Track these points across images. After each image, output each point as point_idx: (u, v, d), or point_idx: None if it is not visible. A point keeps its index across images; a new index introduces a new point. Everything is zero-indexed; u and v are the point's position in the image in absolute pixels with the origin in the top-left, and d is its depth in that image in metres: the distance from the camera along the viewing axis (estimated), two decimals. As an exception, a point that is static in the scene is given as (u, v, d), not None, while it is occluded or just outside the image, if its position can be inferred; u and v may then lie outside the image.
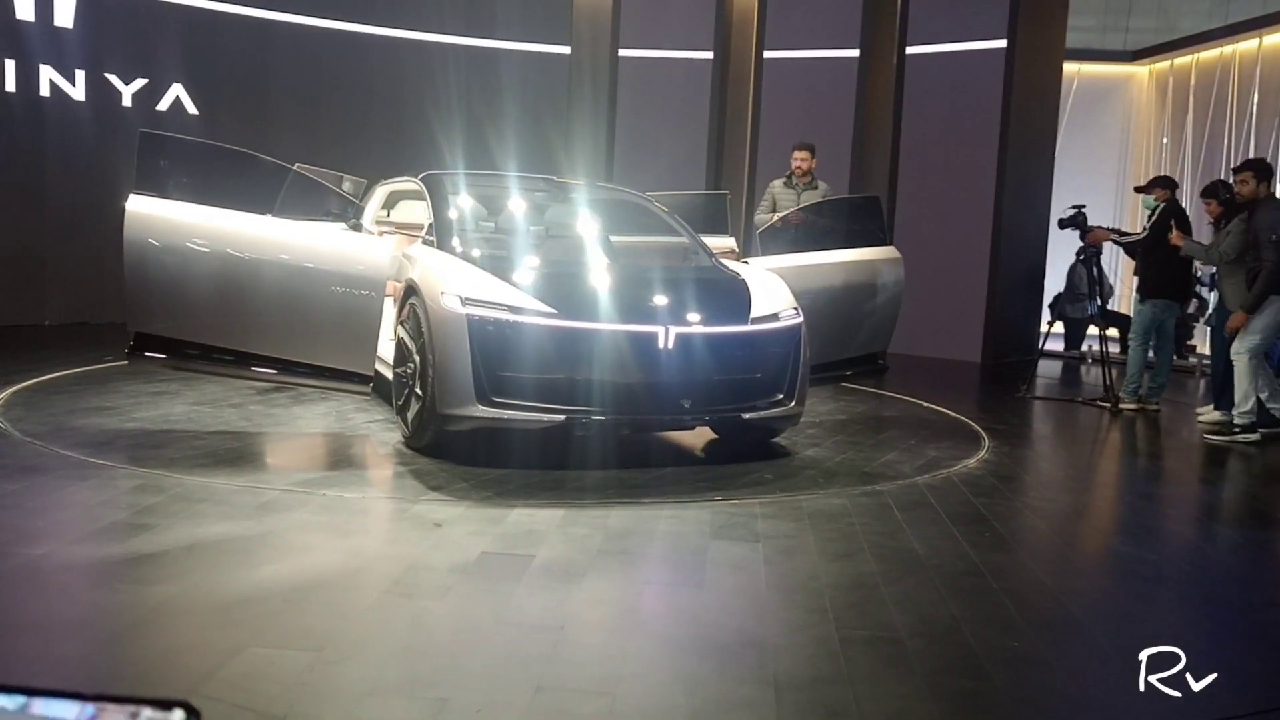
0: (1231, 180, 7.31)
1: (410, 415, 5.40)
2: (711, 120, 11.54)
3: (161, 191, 5.23)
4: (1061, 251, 11.99)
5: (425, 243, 5.90)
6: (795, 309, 5.68)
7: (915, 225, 10.77)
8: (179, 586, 3.38)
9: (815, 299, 6.18)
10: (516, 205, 6.77)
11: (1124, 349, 11.57)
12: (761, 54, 11.50)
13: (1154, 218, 7.87)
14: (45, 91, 9.85)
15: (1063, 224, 8.73)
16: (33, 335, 9.22)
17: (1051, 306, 12.18)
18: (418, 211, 6.87)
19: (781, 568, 3.89)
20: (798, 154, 8.35)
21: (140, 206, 5.16)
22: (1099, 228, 8.56)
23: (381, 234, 6.95)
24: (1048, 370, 10.76)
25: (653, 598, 3.61)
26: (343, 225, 5.74)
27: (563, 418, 5.07)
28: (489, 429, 5.09)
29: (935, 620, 3.42)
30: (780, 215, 7.62)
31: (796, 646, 3.15)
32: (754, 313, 5.53)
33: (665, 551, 4.10)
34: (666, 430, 5.93)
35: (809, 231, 6.90)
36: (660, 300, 5.35)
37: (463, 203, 6.38)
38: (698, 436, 6.06)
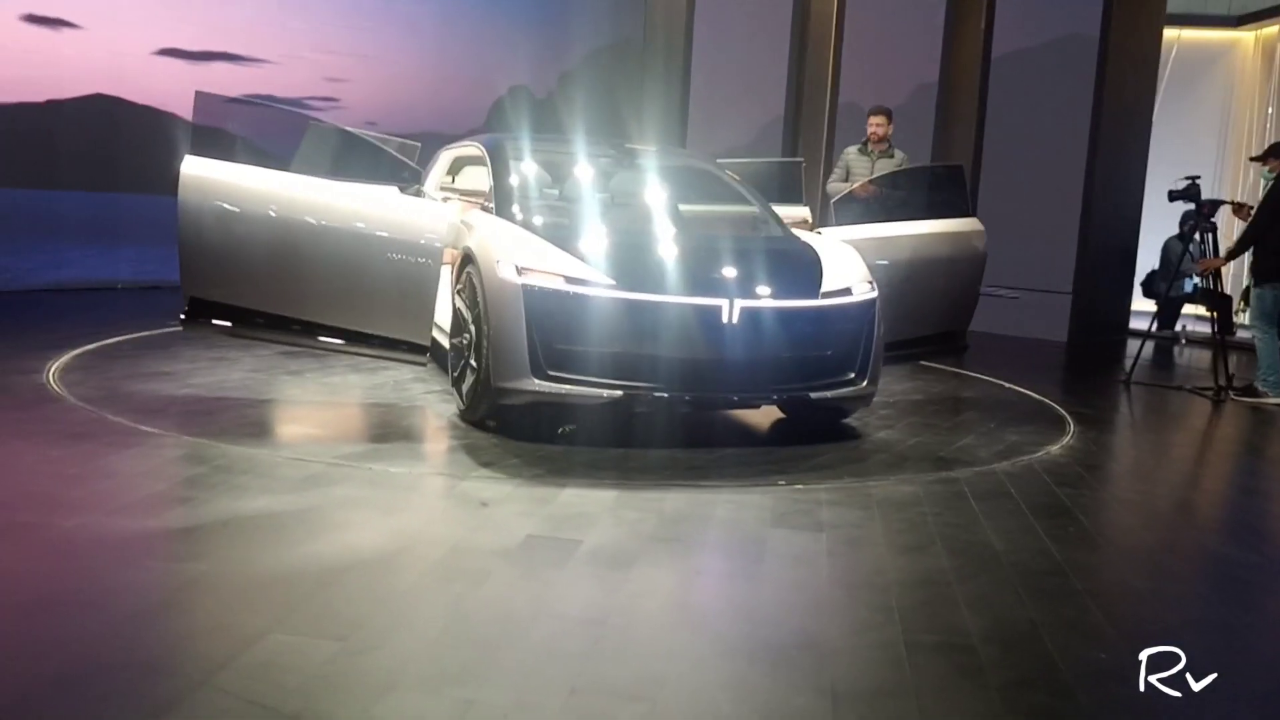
0: None
1: (465, 388, 5.23)
2: (789, 83, 11.13)
3: (217, 153, 5.12)
4: (1154, 226, 11.41)
5: (484, 209, 5.71)
6: (870, 283, 5.36)
7: (999, 196, 10.28)
8: (209, 565, 3.24)
9: (892, 272, 5.87)
10: (582, 172, 6.53)
11: (1219, 331, 10.98)
12: (843, 13, 11.05)
13: (1267, 193, 7.31)
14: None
15: (1173, 196, 8.11)
16: (105, 298, 9.27)
17: (1144, 284, 11.61)
18: (481, 178, 6.68)
19: (845, 561, 3.62)
20: (873, 119, 7.96)
21: (195, 169, 5.04)
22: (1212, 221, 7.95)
23: (444, 200, 6.78)
24: (1136, 351, 10.23)
25: (704, 591, 3.37)
26: (396, 189, 5.51)
27: (621, 393, 4.84)
28: (547, 403, 4.89)
29: (1012, 625, 3.13)
30: (854, 185, 7.27)
31: (858, 651, 2.89)
32: (825, 286, 5.24)
33: (721, 539, 3.86)
34: (730, 409, 5.68)
35: (887, 201, 6.55)
36: (726, 272, 5.08)
37: (526, 169, 6.17)
38: (764, 415, 5.80)
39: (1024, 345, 9.72)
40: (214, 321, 5.14)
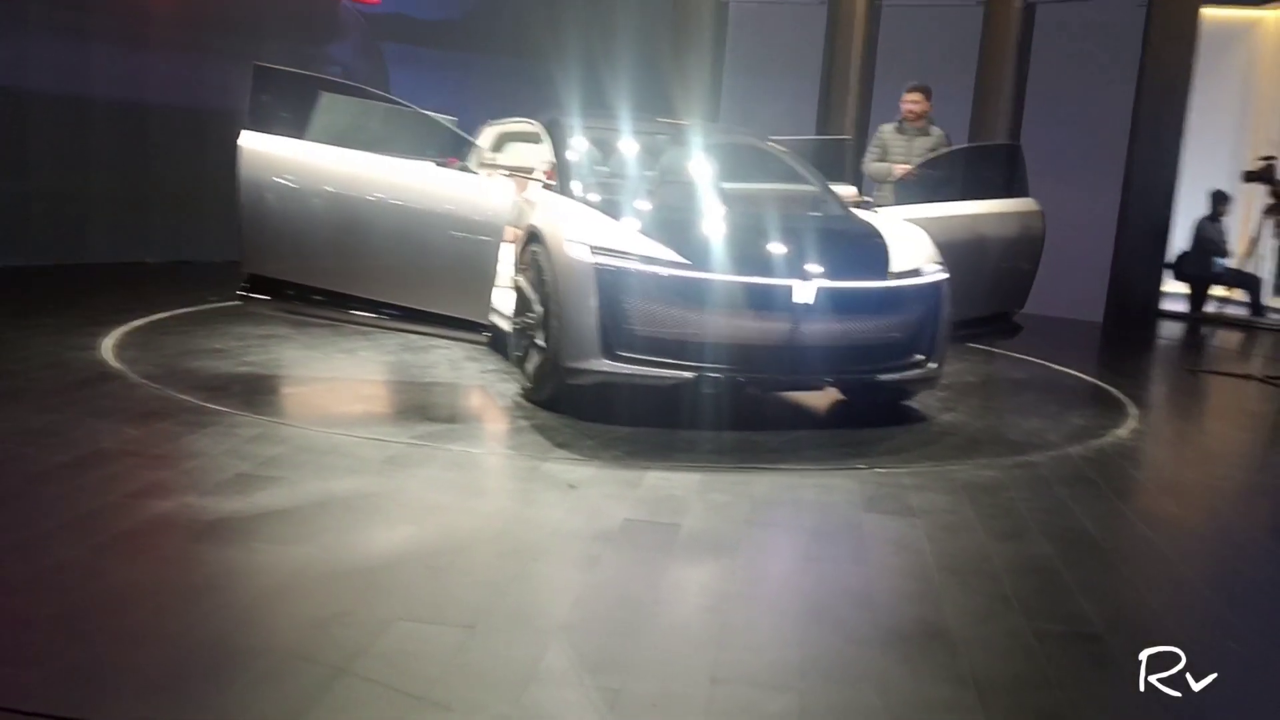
0: None
1: (530, 367, 5.17)
2: (824, 62, 11.01)
3: (273, 128, 5.03)
4: (1185, 206, 11.34)
5: (547, 187, 5.63)
6: (939, 264, 5.31)
7: (1036, 176, 10.20)
8: (316, 547, 3.20)
9: (950, 253, 5.79)
10: (636, 150, 6.45)
11: (1254, 311, 10.99)
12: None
13: None
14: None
15: (1249, 177, 7.88)
16: (135, 274, 9.18)
17: (1174, 266, 11.56)
18: (529, 154, 6.59)
19: (947, 546, 3.58)
20: (909, 96, 7.70)
21: (254, 144, 4.95)
22: None
23: (490, 176, 6.68)
24: (1170, 333, 10.21)
25: (816, 577, 3.33)
26: (436, 163, 5.32)
27: (691, 375, 4.78)
28: (609, 384, 4.84)
29: (1132, 614, 3.10)
30: (893, 166, 7.19)
31: (988, 640, 2.86)
32: (893, 267, 5.18)
33: (818, 524, 3.82)
34: (794, 390, 5.63)
35: (944, 181, 6.48)
36: (794, 252, 5.01)
37: (583, 146, 6.08)
38: (822, 397, 5.74)
39: (1059, 325, 9.67)
40: (255, 296, 5.05)
